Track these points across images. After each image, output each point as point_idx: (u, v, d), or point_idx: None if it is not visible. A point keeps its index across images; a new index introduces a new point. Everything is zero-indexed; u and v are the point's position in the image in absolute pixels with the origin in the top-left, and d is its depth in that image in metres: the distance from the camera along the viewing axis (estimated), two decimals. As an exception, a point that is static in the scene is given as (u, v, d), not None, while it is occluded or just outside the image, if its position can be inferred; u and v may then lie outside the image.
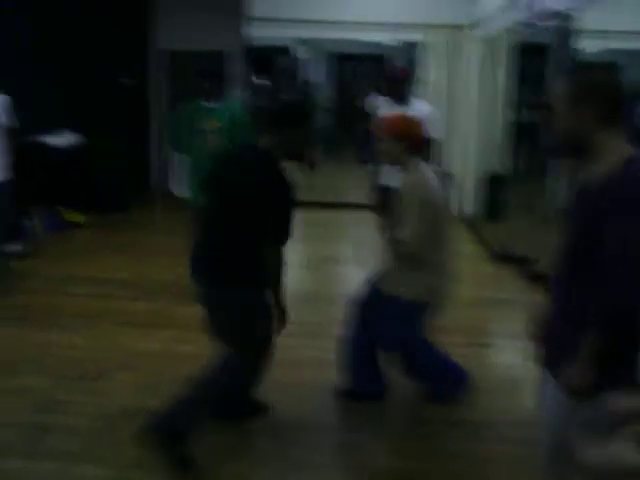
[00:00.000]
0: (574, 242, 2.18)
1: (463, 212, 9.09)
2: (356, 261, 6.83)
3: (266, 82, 16.14)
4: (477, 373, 4.38)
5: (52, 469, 3.22)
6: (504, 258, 6.72)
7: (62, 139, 7.93)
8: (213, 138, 5.12)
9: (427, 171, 3.65)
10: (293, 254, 7.65)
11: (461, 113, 8.92)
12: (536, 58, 8.56)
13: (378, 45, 16.13)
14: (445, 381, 4.02)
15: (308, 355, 4.53)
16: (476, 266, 6.91)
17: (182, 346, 4.63)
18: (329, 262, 7.10)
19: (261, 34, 9.76)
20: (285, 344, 4.77)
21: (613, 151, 2.08)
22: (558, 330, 2.28)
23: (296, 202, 3.19)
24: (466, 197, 9.09)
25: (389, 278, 3.72)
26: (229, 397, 3.53)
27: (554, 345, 2.29)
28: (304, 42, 16.92)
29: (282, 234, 3.15)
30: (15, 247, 6.57)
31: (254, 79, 15.59)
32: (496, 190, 8.04)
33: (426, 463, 3.36)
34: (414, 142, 3.62)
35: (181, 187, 5.41)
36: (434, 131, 5.21)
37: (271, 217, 3.11)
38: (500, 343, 5.13)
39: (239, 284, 3.21)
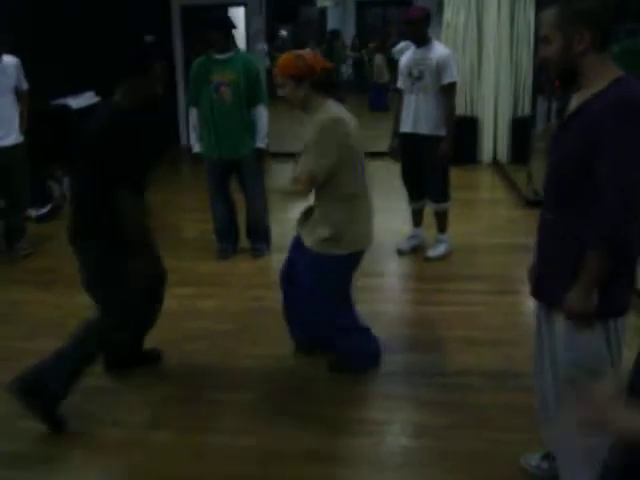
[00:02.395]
0: (566, 167, 2.16)
1: (493, 157, 8.88)
2: (380, 211, 6.68)
3: (284, 33, 15.92)
4: (506, 321, 4.27)
5: (70, 431, 3.21)
6: (534, 203, 6.53)
7: (86, 100, 7.86)
8: (227, 90, 5.01)
9: (340, 109, 3.33)
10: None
11: (490, 55, 8.63)
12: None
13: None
14: (357, 354, 3.75)
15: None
16: (507, 212, 6.75)
17: (202, 302, 4.61)
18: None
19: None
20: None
21: (602, 75, 2.09)
22: (551, 260, 2.29)
23: (142, 153, 3.18)
24: (496, 142, 8.86)
25: (311, 231, 3.46)
26: (117, 348, 3.60)
27: (550, 276, 2.31)
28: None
29: (133, 184, 3.09)
30: (39, 211, 6.58)
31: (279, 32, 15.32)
32: (525, 133, 7.80)
33: (450, 415, 3.29)
34: (316, 79, 3.27)
35: (198, 143, 5.31)
36: (454, 74, 5.01)
37: (117, 168, 3.04)
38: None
39: (91, 236, 3.20)
